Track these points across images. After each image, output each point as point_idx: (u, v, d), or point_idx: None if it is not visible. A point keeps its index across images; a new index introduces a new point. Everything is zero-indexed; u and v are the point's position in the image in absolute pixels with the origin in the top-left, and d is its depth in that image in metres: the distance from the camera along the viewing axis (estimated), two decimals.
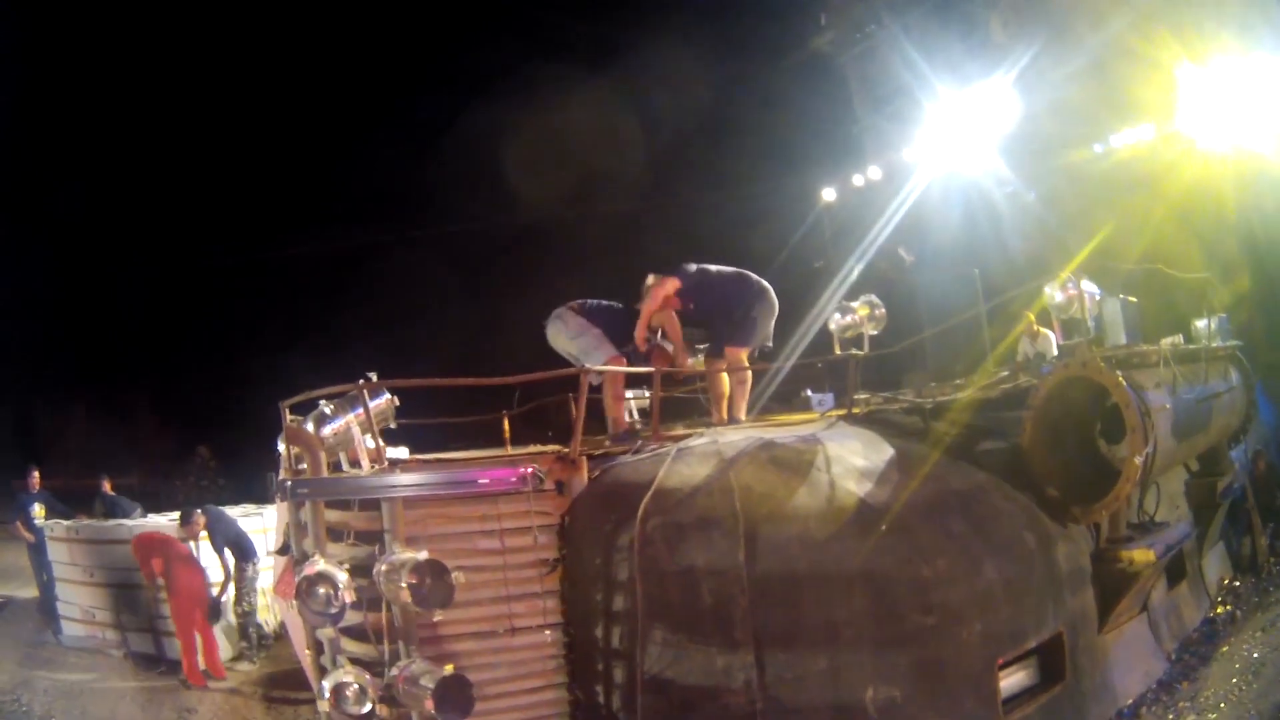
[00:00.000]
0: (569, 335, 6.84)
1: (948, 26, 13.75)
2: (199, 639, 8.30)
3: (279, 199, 22.89)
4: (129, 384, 20.71)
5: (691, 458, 5.27)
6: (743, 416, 6.97)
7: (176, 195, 23.08)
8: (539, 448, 6.12)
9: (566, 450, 5.33)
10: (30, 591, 10.99)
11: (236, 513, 9.75)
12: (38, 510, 10.38)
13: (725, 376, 6.88)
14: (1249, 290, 10.08)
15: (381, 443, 5.28)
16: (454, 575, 4.46)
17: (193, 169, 22.69)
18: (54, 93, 21.73)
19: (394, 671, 4.62)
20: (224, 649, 8.72)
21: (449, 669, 4.49)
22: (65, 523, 9.96)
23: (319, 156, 23.20)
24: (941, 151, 14.21)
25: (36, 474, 10.78)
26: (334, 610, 4.63)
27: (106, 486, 11.19)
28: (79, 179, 22.23)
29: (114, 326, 22.30)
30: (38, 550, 10.23)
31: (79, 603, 9.60)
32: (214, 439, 14.65)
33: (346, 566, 4.68)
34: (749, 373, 7.14)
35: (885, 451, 5.50)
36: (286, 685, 8.08)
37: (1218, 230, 9.62)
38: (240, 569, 8.79)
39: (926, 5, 14.18)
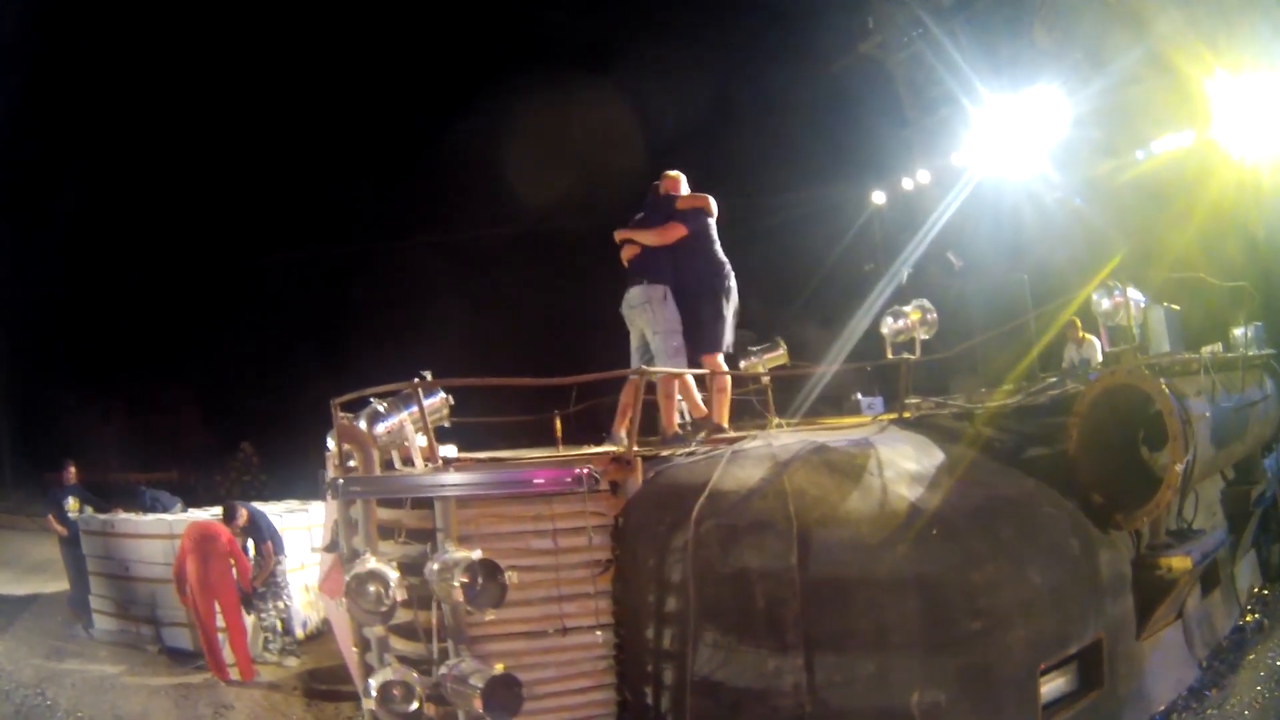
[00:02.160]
0: (655, 325, 6.56)
1: (992, 32, 13.80)
2: (227, 636, 8.30)
3: (330, 196, 22.99)
4: (171, 379, 20.80)
5: (746, 460, 5.30)
6: (726, 425, 6.65)
7: (225, 192, 23.16)
8: (593, 448, 6.15)
9: (622, 451, 5.36)
10: (59, 585, 11.01)
11: (279, 508, 9.83)
12: (71, 504, 10.41)
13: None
14: None
15: (435, 442, 5.31)
16: (507, 575, 4.48)
17: (245, 165, 22.74)
18: (101, 95, 21.80)
19: (443, 670, 4.64)
20: (254, 646, 8.71)
21: (499, 668, 4.50)
22: (101, 516, 10.00)
23: (375, 152, 23.36)
24: (989, 156, 14.28)
25: (71, 468, 10.82)
26: (384, 609, 4.65)
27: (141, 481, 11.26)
28: (125, 176, 22.46)
29: (157, 321, 22.38)
30: (70, 544, 10.26)
31: (113, 597, 9.63)
32: (256, 435, 14.68)
33: (397, 565, 4.71)
34: (729, 379, 6.79)
35: (936, 456, 5.53)
36: (326, 681, 8.07)
37: (1253, 237, 9.61)
38: (277, 566, 8.84)
39: (970, 10, 14.23)
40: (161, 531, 9.11)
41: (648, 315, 6.56)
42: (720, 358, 6.67)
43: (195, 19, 21.23)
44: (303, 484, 10.71)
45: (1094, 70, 11.31)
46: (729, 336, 6.70)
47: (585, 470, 4.68)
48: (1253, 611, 7.80)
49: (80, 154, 21.49)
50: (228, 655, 8.29)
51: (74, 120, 21.04)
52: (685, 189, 6.91)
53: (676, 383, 6.64)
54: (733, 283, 6.71)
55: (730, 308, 6.68)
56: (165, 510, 10.48)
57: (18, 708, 7.54)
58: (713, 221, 6.76)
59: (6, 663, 8.72)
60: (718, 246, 6.75)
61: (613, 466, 5.21)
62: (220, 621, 8.31)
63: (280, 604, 8.86)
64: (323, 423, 6.27)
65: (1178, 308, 6.85)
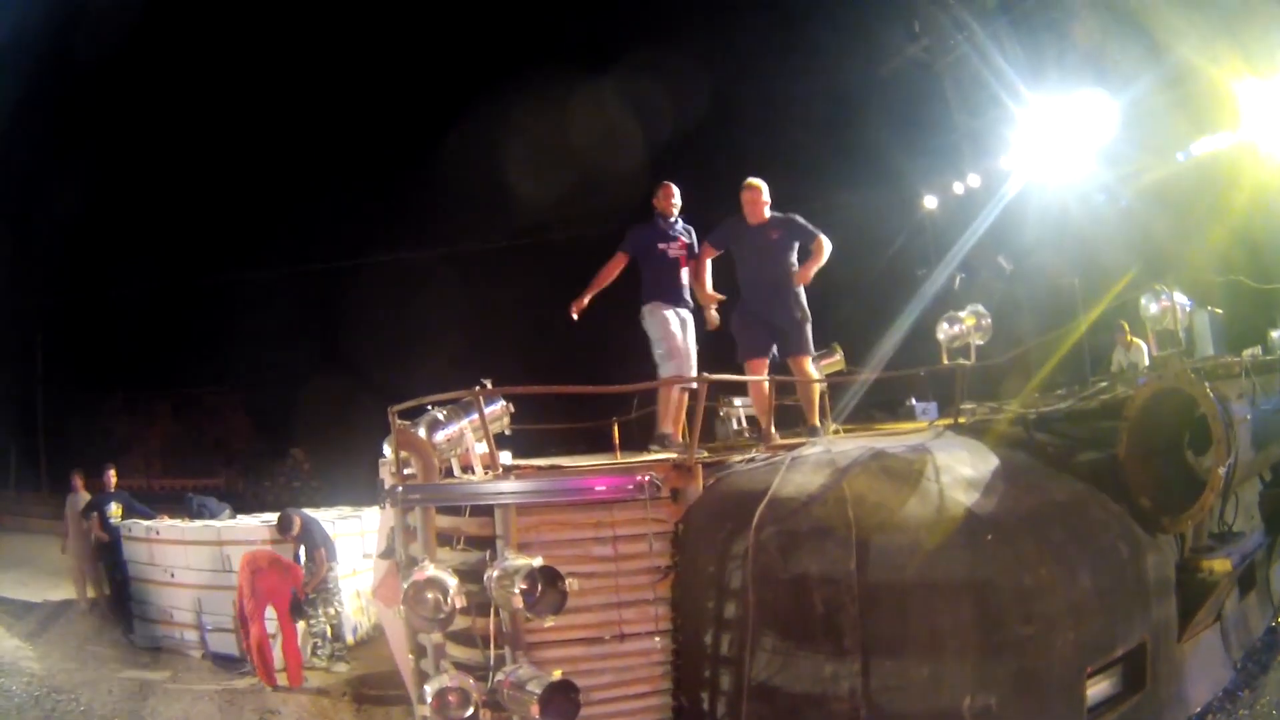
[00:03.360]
0: (656, 335, 6.86)
1: (1036, 34, 13.79)
2: (279, 643, 8.34)
3: (381, 203, 23.17)
4: (220, 384, 20.90)
5: (805, 466, 5.34)
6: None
7: (277, 197, 23.51)
8: (651, 455, 6.22)
9: (683, 458, 5.42)
10: (99, 592, 11.01)
11: (332, 515, 9.90)
12: (114, 509, 10.51)
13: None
14: None
15: (496, 450, 5.39)
16: (567, 582, 4.52)
17: (297, 170, 23.17)
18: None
19: (499, 676, 4.67)
20: (303, 652, 8.73)
21: (556, 674, 4.53)
22: (145, 523, 10.07)
23: (429, 161, 23.76)
24: (1037, 159, 14.26)
25: (113, 473, 10.91)
26: (443, 616, 4.70)
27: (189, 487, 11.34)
28: (175, 184, 22.74)
29: (207, 326, 22.57)
30: (112, 549, 10.36)
31: (156, 603, 9.70)
32: (307, 441, 14.75)
33: (455, 572, 4.76)
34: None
35: (990, 461, 5.56)
36: (375, 687, 8.08)
37: None
38: (329, 573, 8.88)
39: (1013, 13, 14.20)
40: (208, 538, 9.19)
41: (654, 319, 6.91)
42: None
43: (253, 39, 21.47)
44: (354, 490, 10.73)
45: (1132, 74, 11.31)
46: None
47: (647, 477, 4.72)
48: None
49: (128, 157, 21.76)
50: (278, 661, 8.33)
51: (117, 124, 21.26)
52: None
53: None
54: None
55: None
56: (213, 516, 10.57)
57: (47, 713, 7.59)
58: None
59: (40, 668, 8.78)
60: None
61: (673, 473, 5.27)
62: (272, 628, 8.34)
63: (331, 610, 8.90)
64: (375, 428, 6.35)
65: (1220, 311, 6.88)
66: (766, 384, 6.71)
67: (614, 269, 6.88)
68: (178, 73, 22.07)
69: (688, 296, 6.96)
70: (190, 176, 22.97)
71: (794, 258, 6.88)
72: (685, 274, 6.95)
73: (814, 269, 6.76)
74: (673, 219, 7.03)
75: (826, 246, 6.81)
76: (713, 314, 7.15)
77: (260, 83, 22.80)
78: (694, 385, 6.20)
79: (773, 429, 6.81)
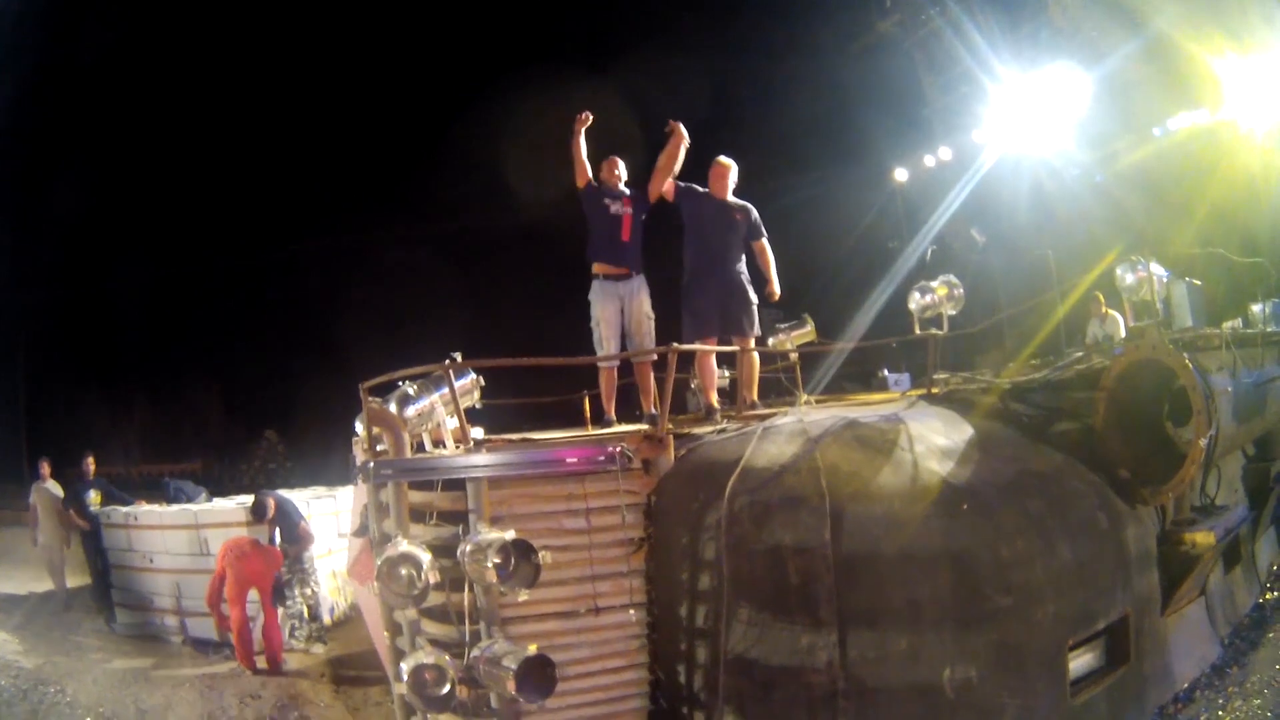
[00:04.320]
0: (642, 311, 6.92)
1: (1010, 9, 13.80)
2: (258, 625, 8.30)
3: (350, 185, 23.20)
4: (193, 369, 20.88)
5: (778, 436, 5.31)
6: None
7: (245, 184, 23.32)
8: (622, 426, 6.18)
9: (653, 429, 5.38)
10: (80, 580, 10.99)
11: (306, 495, 9.83)
12: (93, 497, 10.41)
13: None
14: None
15: (467, 424, 5.33)
16: (541, 555, 4.49)
17: (263, 156, 22.91)
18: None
19: (475, 652, 4.64)
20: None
21: (532, 649, 4.50)
22: (123, 509, 10.00)
23: (393, 142, 23.56)
24: (1010, 133, 14.30)
25: (91, 460, 10.81)
26: (417, 592, 4.65)
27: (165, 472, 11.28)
28: (144, 171, 22.59)
29: (178, 312, 22.57)
30: (92, 537, 10.28)
31: (136, 589, 9.64)
32: (280, 423, 14.71)
33: (428, 547, 4.71)
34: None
35: (965, 431, 5.53)
36: (353, 667, 8.06)
37: (1271, 213, 9.58)
38: (304, 552, 8.85)
39: None
40: (186, 522, 9.14)
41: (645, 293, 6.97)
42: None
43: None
44: (328, 470, 10.70)
45: (1108, 49, 11.28)
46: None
47: (618, 449, 4.69)
48: (1273, 589, 7.79)
49: (100, 150, 21.65)
50: (256, 644, 8.28)
51: (90, 116, 21.16)
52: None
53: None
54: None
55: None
56: (190, 501, 10.51)
57: (35, 707, 7.51)
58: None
59: (25, 660, 8.70)
60: None
61: (645, 444, 5.23)
62: (252, 610, 8.29)
63: (308, 590, 8.87)
64: (346, 409, 6.30)
65: (1199, 283, 6.85)
66: (714, 359, 6.85)
67: (583, 163, 6.87)
68: (155, 68, 21.93)
69: (631, 258, 6.94)
70: (164, 168, 22.94)
71: (743, 243, 7.00)
72: (628, 234, 6.95)
73: (774, 273, 6.96)
74: (616, 189, 7.06)
75: (769, 250, 7.00)
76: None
77: (238, 77, 22.72)
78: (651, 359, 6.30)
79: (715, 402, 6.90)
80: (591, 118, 6.74)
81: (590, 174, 6.91)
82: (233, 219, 22.93)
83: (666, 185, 6.89)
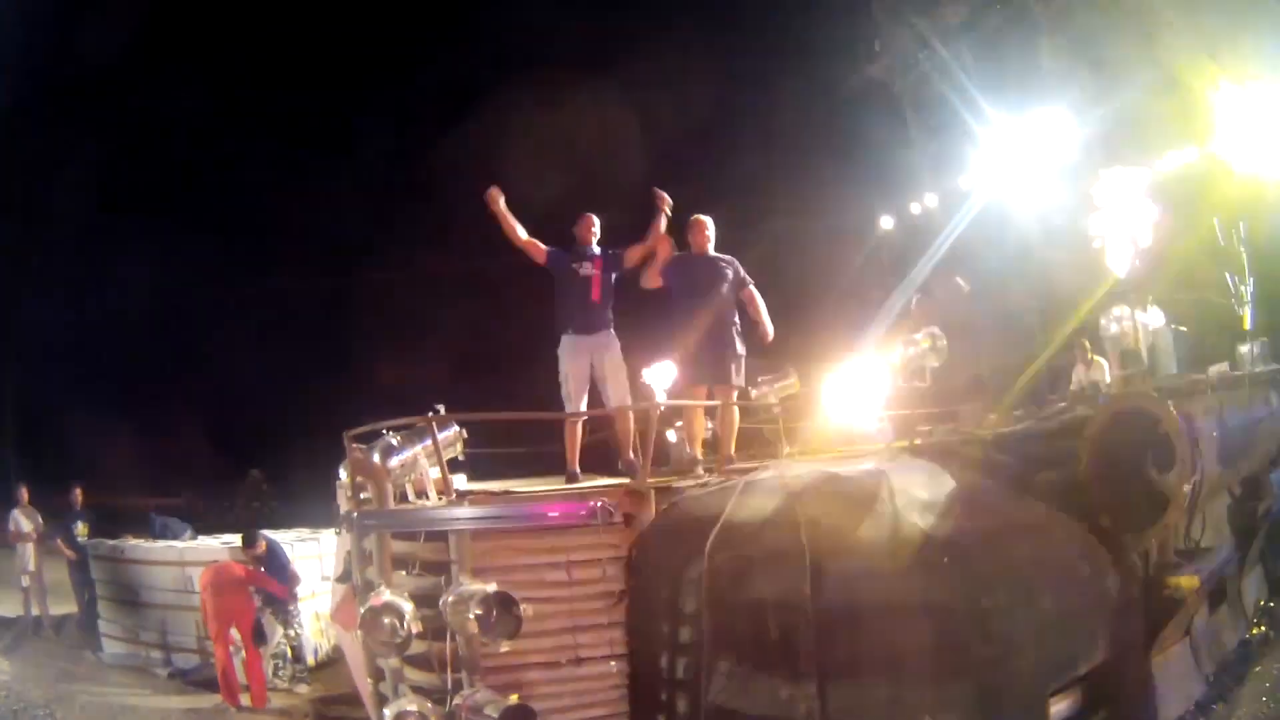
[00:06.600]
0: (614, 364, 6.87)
1: (999, 53, 13.81)
2: (242, 663, 8.27)
3: (342, 222, 23.09)
4: (181, 403, 20.80)
5: (759, 491, 5.32)
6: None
7: (238, 215, 23.44)
8: (604, 480, 6.19)
9: (634, 483, 5.39)
10: (68, 608, 10.99)
11: (290, 537, 9.84)
12: (80, 528, 10.43)
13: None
14: None
15: (450, 476, 5.34)
16: (522, 607, 4.50)
17: (254, 190, 22.97)
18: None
19: (457, 700, 4.64)
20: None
21: (513, 699, 4.53)
22: (110, 542, 10.01)
23: (387, 176, 23.56)
24: (997, 178, 14.25)
25: (79, 492, 10.84)
26: (399, 640, 4.67)
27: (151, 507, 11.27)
28: (137, 193, 22.76)
29: (167, 344, 22.53)
30: (80, 568, 10.29)
31: (123, 621, 9.65)
32: (265, 462, 14.67)
33: (411, 597, 4.73)
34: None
35: (947, 483, 5.53)
36: (336, 708, 8.05)
37: (1258, 252, 9.60)
38: (291, 595, 8.83)
39: (977, 32, 14.23)
40: (171, 559, 9.15)
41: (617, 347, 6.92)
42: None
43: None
44: (312, 511, 10.69)
45: (1101, 88, 11.30)
46: None
47: (600, 503, 4.70)
48: (1259, 624, 7.79)
49: (93, 173, 21.59)
50: (241, 681, 8.25)
51: (80, 137, 21.13)
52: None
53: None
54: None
55: None
56: (176, 537, 10.50)
57: None
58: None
59: (16, 684, 8.69)
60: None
61: (626, 499, 5.25)
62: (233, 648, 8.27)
63: (291, 632, 8.87)
64: (331, 449, 6.31)
65: (1185, 329, 6.87)
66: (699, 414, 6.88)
67: (531, 242, 6.84)
68: (152, 83, 21.91)
69: (600, 319, 6.89)
70: (158, 195, 23.10)
71: (733, 294, 7.02)
72: (598, 294, 6.88)
73: (765, 317, 6.95)
74: (589, 248, 6.99)
75: (758, 295, 7.00)
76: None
77: (230, 100, 22.71)
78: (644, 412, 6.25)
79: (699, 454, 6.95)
80: (501, 194, 6.67)
81: (540, 244, 6.86)
82: (222, 249, 22.91)
83: (653, 279, 6.94)
